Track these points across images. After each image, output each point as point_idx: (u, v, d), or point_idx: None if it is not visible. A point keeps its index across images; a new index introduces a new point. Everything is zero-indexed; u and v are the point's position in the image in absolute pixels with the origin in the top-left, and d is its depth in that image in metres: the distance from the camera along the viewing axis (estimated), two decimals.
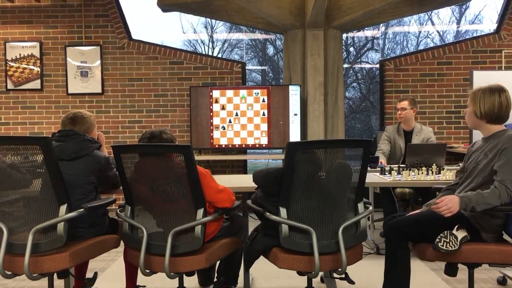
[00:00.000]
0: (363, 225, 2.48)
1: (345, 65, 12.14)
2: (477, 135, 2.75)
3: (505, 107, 2.52)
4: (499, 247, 2.41)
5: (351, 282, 2.53)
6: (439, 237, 2.35)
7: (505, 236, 2.56)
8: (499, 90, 2.53)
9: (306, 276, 2.54)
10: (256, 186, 2.63)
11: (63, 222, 2.38)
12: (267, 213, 2.40)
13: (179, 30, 12.43)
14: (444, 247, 2.33)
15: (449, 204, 2.35)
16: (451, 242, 2.34)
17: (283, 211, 2.35)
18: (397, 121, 4.96)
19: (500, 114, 2.52)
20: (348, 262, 2.34)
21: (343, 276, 2.47)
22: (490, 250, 2.39)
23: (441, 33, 12.95)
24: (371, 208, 2.51)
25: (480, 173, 2.52)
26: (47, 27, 6.25)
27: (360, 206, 2.46)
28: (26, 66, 6.22)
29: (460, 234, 2.38)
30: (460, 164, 4.17)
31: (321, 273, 3.36)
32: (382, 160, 4.41)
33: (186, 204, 2.41)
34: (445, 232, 2.36)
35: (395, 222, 2.58)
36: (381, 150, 4.63)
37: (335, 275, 2.50)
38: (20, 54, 6.21)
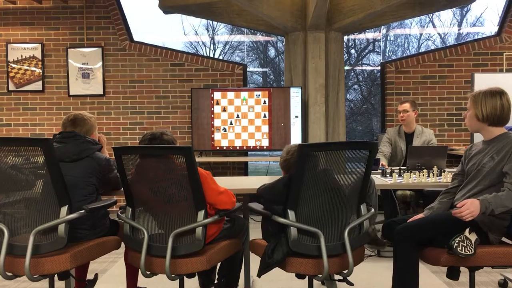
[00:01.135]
0: (366, 226, 2.49)
1: (346, 67, 12.15)
2: (478, 138, 2.75)
3: (506, 109, 2.53)
4: (509, 249, 2.41)
5: (350, 283, 2.53)
6: (456, 241, 2.30)
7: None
8: (499, 93, 2.54)
9: (306, 279, 2.54)
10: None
11: (64, 224, 2.38)
12: (275, 216, 2.39)
13: (180, 32, 12.46)
14: (462, 252, 2.28)
15: (471, 208, 2.31)
16: (468, 246, 2.30)
17: (291, 214, 2.34)
18: (398, 123, 4.96)
19: (502, 116, 2.53)
20: None
21: (342, 278, 2.47)
22: (504, 252, 2.39)
23: (442, 35, 12.95)
24: (373, 210, 2.52)
25: (487, 175, 2.51)
26: (48, 28, 6.26)
27: (363, 208, 2.46)
28: (27, 67, 6.23)
29: (473, 237, 2.35)
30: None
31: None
32: (384, 162, 4.40)
33: (187, 206, 2.41)
34: (462, 236, 2.32)
35: (404, 227, 2.54)
36: (382, 152, 4.63)
37: (335, 277, 2.50)
38: (21, 56, 6.22)
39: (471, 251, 2.30)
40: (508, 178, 2.41)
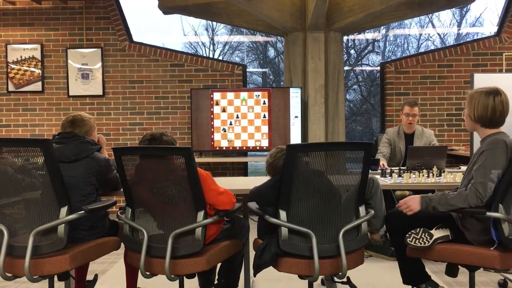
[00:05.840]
0: (364, 229, 2.45)
1: (346, 68, 12.15)
2: (477, 138, 2.74)
3: (499, 112, 2.45)
4: (475, 249, 2.38)
5: (353, 286, 2.52)
6: (409, 233, 2.45)
7: None
8: (494, 94, 2.46)
9: (307, 280, 2.53)
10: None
11: (63, 224, 2.38)
12: (267, 216, 2.39)
13: (180, 33, 12.45)
14: (412, 243, 2.43)
15: (408, 203, 2.49)
16: (421, 239, 2.42)
17: (282, 214, 2.34)
18: (398, 123, 4.95)
19: (493, 119, 2.46)
20: (348, 266, 2.33)
21: (345, 280, 2.45)
22: (466, 251, 2.39)
23: (442, 35, 12.96)
24: (372, 212, 2.49)
25: (466, 177, 2.53)
26: (48, 29, 6.26)
27: (362, 209, 2.43)
28: (27, 68, 6.23)
29: (438, 234, 2.44)
30: (461, 167, 4.17)
31: (321, 276, 3.35)
32: (384, 162, 4.40)
33: (186, 207, 2.41)
34: (419, 229, 2.44)
35: (392, 213, 2.69)
36: (382, 153, 4.62)
37: (336, 278, 2.49)
38: (21, 56, 6.22)
39: (424, 244, 2.41)
40: (473, 179, 2.39)
